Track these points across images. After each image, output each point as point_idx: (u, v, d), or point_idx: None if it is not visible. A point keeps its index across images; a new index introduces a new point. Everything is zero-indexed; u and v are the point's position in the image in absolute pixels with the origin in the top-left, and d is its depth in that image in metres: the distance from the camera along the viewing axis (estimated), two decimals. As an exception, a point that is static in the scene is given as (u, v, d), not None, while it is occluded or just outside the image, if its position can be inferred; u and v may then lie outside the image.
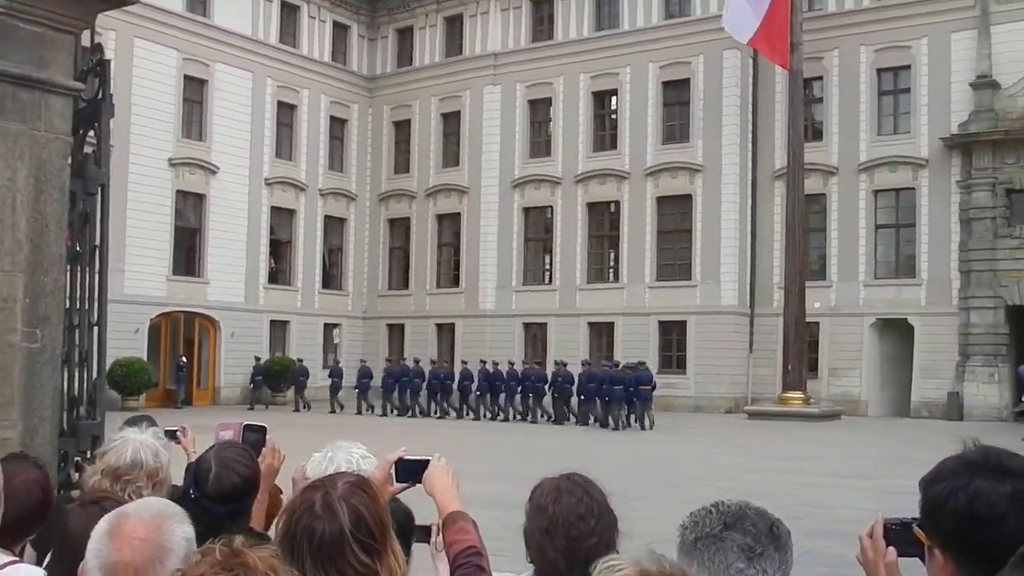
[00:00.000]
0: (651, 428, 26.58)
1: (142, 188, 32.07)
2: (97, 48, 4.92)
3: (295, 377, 33.74)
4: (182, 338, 34.36)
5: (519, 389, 29.92)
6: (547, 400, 29.51)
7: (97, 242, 4.74)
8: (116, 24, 31.35)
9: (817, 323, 31.99)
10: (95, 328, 4.79)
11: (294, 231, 38.21)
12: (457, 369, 32.02)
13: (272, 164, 37.02)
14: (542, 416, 29.32)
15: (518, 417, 29.86)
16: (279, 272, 37.93)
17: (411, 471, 2.60)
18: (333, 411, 31.77)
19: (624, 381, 27.34)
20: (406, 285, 40.14)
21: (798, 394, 29.64)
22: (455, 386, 30.86)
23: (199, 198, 34.62)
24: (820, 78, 33.30)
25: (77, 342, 4.62)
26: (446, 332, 38.69)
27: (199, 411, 31.18)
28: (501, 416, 30.06)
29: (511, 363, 31.29)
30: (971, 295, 30.27)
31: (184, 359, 33.45)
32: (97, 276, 4.72)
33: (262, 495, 2.74)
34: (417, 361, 32.30)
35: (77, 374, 4.68)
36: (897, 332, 31.79)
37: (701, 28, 33.53)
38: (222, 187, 34.96)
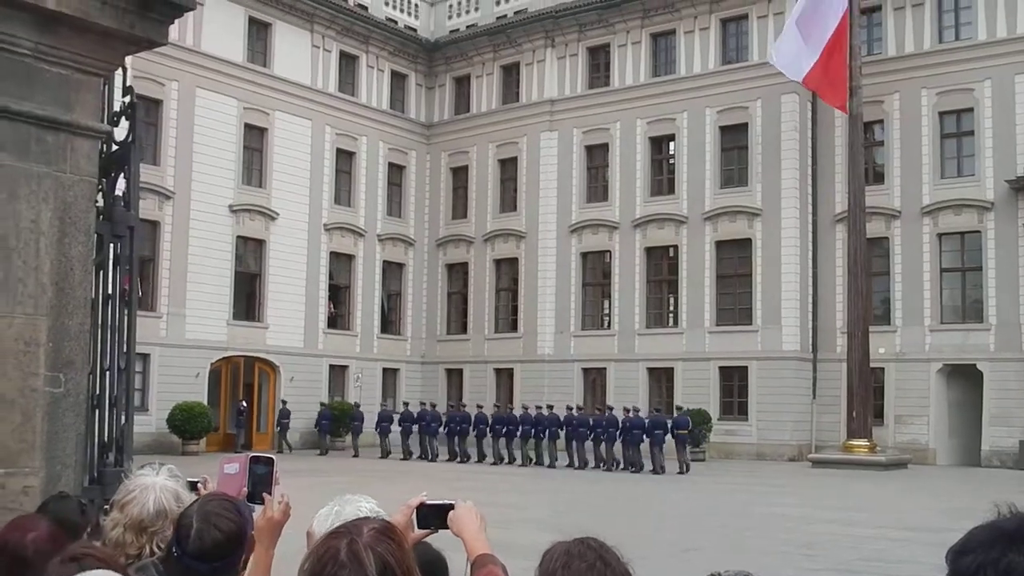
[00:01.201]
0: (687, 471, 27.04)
1: (203, 234, 32.59)
2: (128, 91, 4.92)
3: (350, 422, 33.81)
4: (242, 382, 34.61)
5: (590, 435, 29.31)
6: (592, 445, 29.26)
7: (126, 285, 4.71)
8: (178, 75, 32.14)
9: (882, 369, 31.32)
10: (124, 372, 4.75)
11: (353, 276, 38.47)
12: (517, 412, 31.82)
13: (331, 210, 37.39)
14: (614, 464, 28.74)
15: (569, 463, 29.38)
16: (338, 317, 38.14)
17: (433, 516, 2.49)
18: (383, 456, 31.71)
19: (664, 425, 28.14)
20: (465, 330, 40.14)
21: (863, 442, 28.95)
22: (518, 431, 30.44)
23: (259, 244, 35.03)
24: (880, 121, 32.88)
25: (107, 386, 4.58)
26: (504, 377, 38.57)
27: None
28: (548, 462, 29.46)
29: (550, 407, 30.79)
30: (1042, 340, 29.44)
31: (244, 403, 33.68)
32: (127, 319, 4.69)
33: (262, 552, 2.60)
34: (480, 407, 32.16)
35: (108, 419, 4.63)
36: (965, 378, 30.97)
37: (758, 73, 33.33)
38: (282, 233, 35.36)
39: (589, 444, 29.14)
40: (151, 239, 31.82)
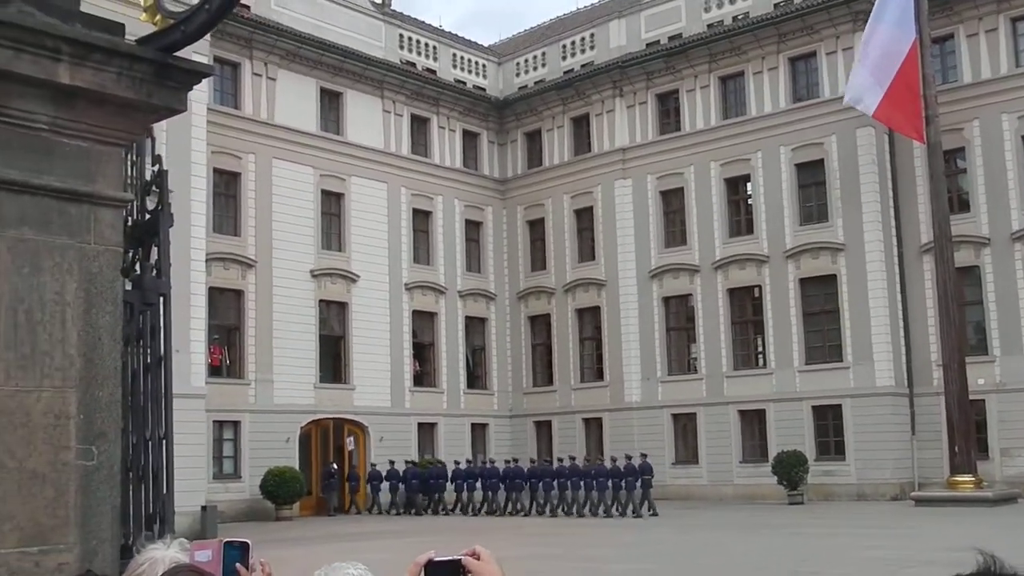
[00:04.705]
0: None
1: (286, 300, 33.10)
2: (157, 159, 4.96)
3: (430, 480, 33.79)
4: (332, 445, 34.83)
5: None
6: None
7: (162, 353, 4.71)
8: (255, 147, 32.95)
9: (982, 400, 30.22)
10: (163, 442, 4.73)
11: (436, 333, 38.65)
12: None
13: (411, 269, 37.72)
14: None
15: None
16: (424, 375, 38.29)
17: (442, 573, 2.35)
18: (446, 512, 32.44)
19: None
20: (551, 381, 39.94)
21: (968, 477, 27.86)
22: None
23: (341, 306, 35.44)
24: (962, 149, 32.13)
25: (149, 457, 4.55)
26: (593, 427, 38.21)
27: (352, 519, 31.40)
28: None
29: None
30: None
31: (335, 466, 33.82)
32: (163, 388, 4.68)
33: None
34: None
35: (151, 491, 4.60)
36: (1073, 405, 29.70)
37: (831, 108, 32.96)
38: (363, 294, 35.74)
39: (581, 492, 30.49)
40: (235, 308, 32.46)
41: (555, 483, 31.02)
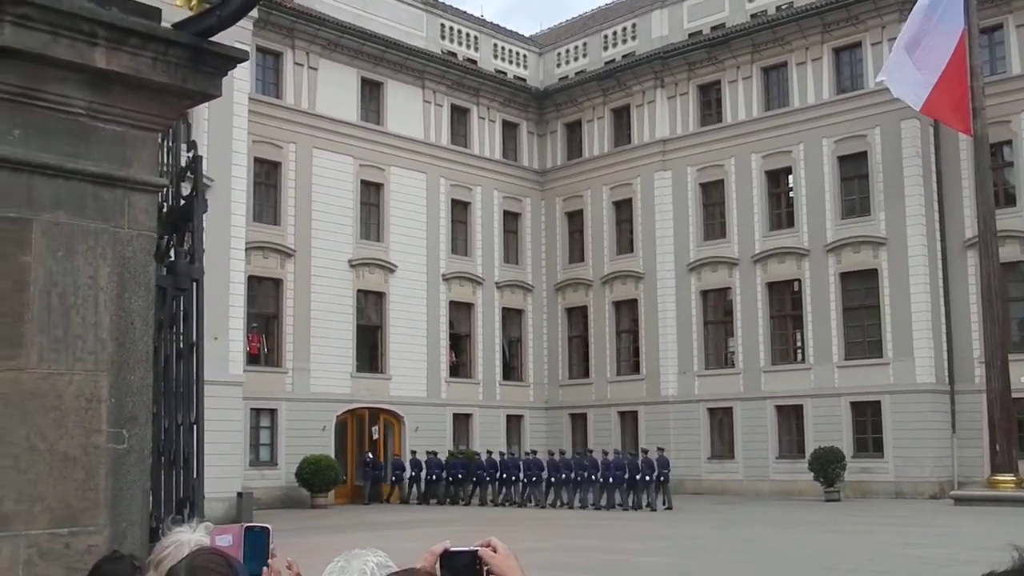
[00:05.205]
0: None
1: (324, 289, 33.26)
2: (192, 145, 4.97)
3: (474, 471, 33.80)
4: (367, 434, 34.97)
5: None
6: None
7: (194, 339, 4.72)
8: (296, 137, 33.10)
9: (1024, 398, 29.73)
10: (194, 427, 4.75)
11: (473, 324, 38.67)
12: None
13: (448, 260, 37.75)
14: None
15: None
16: (460, 365, 38.33)
17: (458, 564, 2.32)
18: (459, 503, 32.75)
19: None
20: (587, 374, 39.82)
21: (1009, 476, 27.46)
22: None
23: (379, 296, 35.55)
24: (1009, 142, 31.57)
25: (181, 442, 4.57)
26: (629, 420, 38.06)
27: (386, 508, 31.54)
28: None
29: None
30: None
31: (370, 455, 33.97)
32: (195, 373, 4.69)
33: None
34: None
35: (183, 476, 4.61)
36: (1118, 405, 29.15)
37: (875, 100, 32.48)
38: (401, 285, 35.82)
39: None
40: (275, 296, 32.66)
41: (572, 476, 31.32)
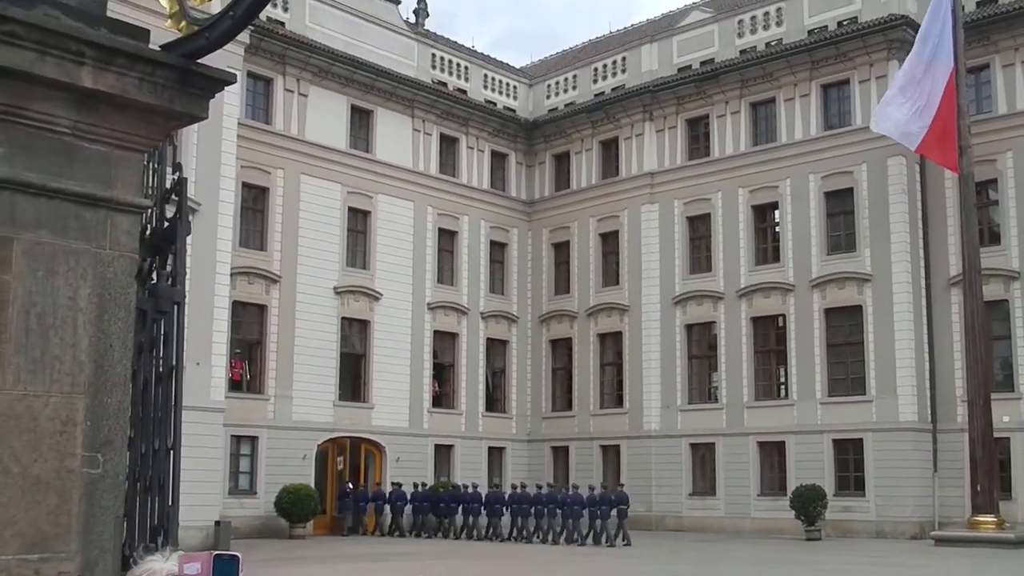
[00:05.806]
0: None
1: (309, 316, 33.13)
2: (177, 167, 4.93)
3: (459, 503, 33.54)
4: (348, 463, 34.71)
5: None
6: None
7: (174, 363, 4.66)
8: (284, 163, 33.11)
9: (1007, 438, 29.77)
10: (171, 453, 4.67)
11: (457, 354, 38.55)
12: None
13: (434, 289, 37.69)
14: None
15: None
16: (443, 396, 38.17)
17: None
18: (432, 536, 32.34)
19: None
20: (570, 406, 39.72)
21: (990, 518, 27.39)
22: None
23: (363, 324, 35.41)
24: (994, 181, 31.82)
25: (158, 468, 4.49)
26: (611, 454, 37.93)
27: (364, 540, 31.26)
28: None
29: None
30: None
31: (351, 485, 33.70)
32: (173, 398, 4.62)
33: None
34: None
35: (158, 502, 4.53)
36: (1099, 447, 29.23)
37: (862, 137, 32.71)
38: (386, 313, 35.72)
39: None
40: (258, 322, 32.51)
41: (532, 510, 31.14)
